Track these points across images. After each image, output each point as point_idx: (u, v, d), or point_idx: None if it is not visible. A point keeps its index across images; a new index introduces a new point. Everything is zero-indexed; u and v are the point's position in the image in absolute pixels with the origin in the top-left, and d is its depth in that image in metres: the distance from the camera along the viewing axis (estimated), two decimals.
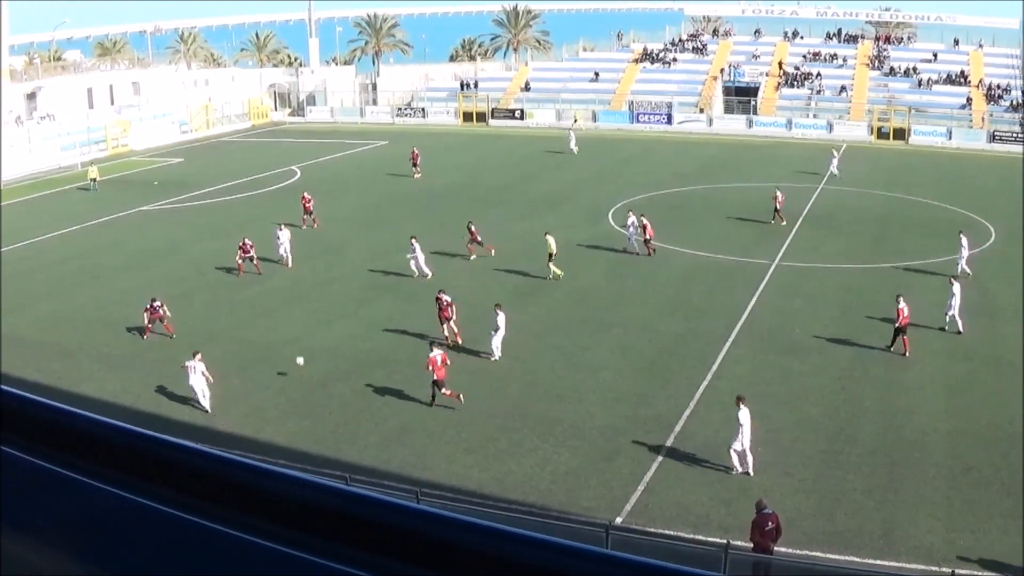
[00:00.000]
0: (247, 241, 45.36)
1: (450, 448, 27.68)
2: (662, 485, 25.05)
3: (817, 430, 28.09)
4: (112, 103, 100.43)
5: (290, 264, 45.70)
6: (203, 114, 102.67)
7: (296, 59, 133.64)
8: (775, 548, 20.95)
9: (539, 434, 28.22)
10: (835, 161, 67.66)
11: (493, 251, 46.06)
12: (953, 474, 25.30)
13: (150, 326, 37.28)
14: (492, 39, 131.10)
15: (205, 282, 44.51)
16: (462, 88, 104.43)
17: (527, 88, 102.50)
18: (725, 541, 21.07)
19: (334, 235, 51.93)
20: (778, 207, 52.54)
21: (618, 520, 23.25)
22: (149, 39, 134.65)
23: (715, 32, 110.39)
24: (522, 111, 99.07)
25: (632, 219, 47.80)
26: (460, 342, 35.58)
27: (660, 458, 26.32)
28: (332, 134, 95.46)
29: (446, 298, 35.78)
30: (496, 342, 33.88)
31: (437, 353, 30.77)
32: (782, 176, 65.22)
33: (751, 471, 25.59)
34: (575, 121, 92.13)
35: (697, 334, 36.00)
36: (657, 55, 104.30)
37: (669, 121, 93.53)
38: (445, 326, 35.94)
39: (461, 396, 30.28)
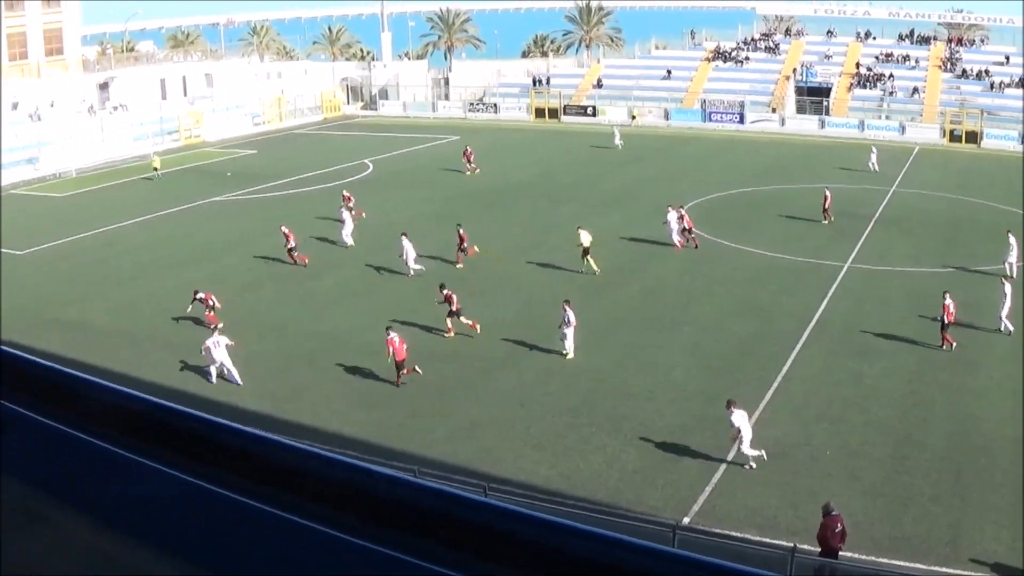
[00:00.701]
0: (285, 230, 46.24)
1: (518, 444, 27.84)
2: (730, 486, 25.05)
3: (886, 433, 27.97)
4: (185, 94, 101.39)
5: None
6: (276, 106, 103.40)
7: (369, 53, 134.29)
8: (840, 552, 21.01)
9: (608, 431, 28.33)
10: (873, 157, 68.53)
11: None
12: (1020, 481, 25.14)
13: (211, 314, 37.73)
14: (564, 35, 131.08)
15: (274, 273, 45.00)
16: (534, 84, 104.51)
17: (599, 85, 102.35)
18: (792, 544, 21.06)
19: (404, 228, 52.24)
20: (827, 206, 52.59)
21: (685, 520, 23.27)
22: (222, 31, 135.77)
23: (787, 32, 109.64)
24: (594, 108, 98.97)
25: (672, 214, 48.35)
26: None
27: (729, 459, 26.33)
28: (404, 128, 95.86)
29: (451, 294, 36.74)
30: (568, 340, 33.84)
31: (395, 336, 32.21)
32: (852, 178, 64.94)
33: (754, 464, 26.01)
34: (633, 118, 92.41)
35: (768, 335, 35.93)
36: (730, 54, 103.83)
37: (741, 120, 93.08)
38: (451, 319, 36.61)
39: (417, 367, 31.99)
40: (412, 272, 43.93)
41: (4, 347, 3.04)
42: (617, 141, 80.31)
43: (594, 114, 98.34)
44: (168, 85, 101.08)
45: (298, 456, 2.27)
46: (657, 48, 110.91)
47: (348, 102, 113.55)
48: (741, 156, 76.30)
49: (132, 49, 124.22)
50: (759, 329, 36.51)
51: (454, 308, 36.58)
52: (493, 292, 41.06)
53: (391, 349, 31.84)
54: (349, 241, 48.95)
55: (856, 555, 21.55)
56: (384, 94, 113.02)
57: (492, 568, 1.90)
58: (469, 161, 70.79)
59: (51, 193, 70.11)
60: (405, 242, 44.19)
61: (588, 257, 43.75)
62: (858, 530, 21.94)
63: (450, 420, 29.40)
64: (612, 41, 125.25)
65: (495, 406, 30.12)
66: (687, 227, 47.95)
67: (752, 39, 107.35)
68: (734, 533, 22.68)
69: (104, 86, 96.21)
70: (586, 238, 43.91)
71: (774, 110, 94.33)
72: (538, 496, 23.41)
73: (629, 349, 34.77)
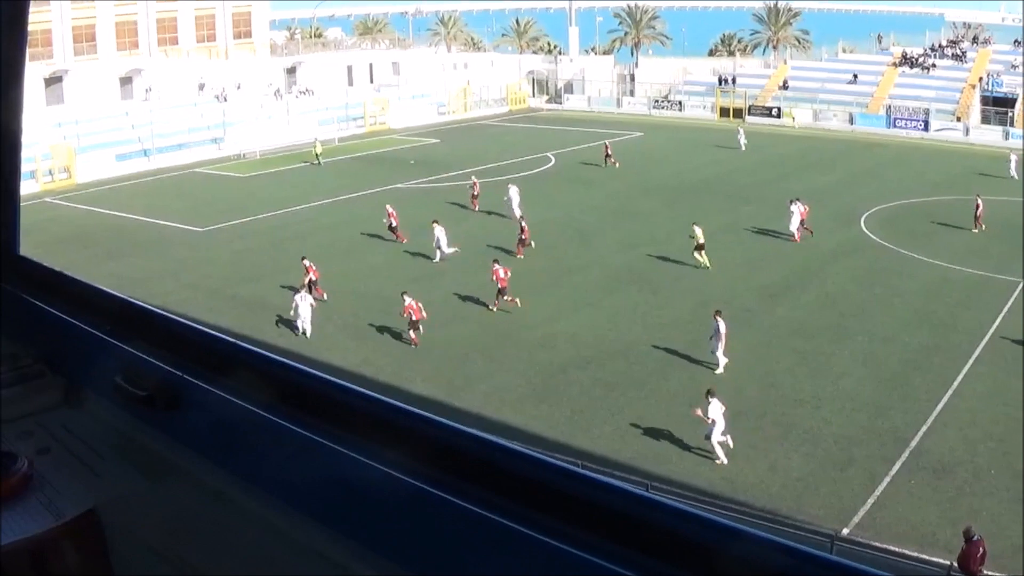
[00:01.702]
0: (390, 209, 48.98)
1: (684, 445, 28.18)
2: (892, 500, 25.07)
3: None
4: (371, 81, 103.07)
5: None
6: (461, 97, 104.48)
7: (555, 47, 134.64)
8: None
9: (774, 437, 28.56)
10: (1012, 164, 67.68)
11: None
12: None
13: (317, 289, 40.11)
14: (752, 35, 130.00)
15: (454, 262, 46.01)
16: (720, 83, 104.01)
17: (785, 86, 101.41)
18: (948, 563, 21.18)
19: (584, 224, 52.84)
20: (978, 214, 51.81)
21: (844, 531, 23.45)
22: (410, 20, 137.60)
23: (975, 39, 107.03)
24: (779, 109, 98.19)
25: (795, 207, 49.38)
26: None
27: (893, 472, 26.29)
28: (588, 123, 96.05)
29: (500, 270, 38.90)
30: (720, 352, 33.43)
31: (411, 301, 35.63)
32: None
33: (724, 459, 27.05)
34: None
35: (940, 348, 35.61)
36: (916, 60, 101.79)
37: (926, 128, 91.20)
38: (498, 296, 38.62)
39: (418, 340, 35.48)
40: (441, 257, 45.74)
41: (184, 321, 3.11)
42: (742, 141, 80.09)
43: (779, 116, 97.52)
44: (355, 72, 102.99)
45: (477, 444, 2.24)
46: (844, 51, 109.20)
47: (533, 95, 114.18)
48: (924, 164, 75.02)
49: (320, 35, 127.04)
50: (932, 342, 36.18)
51: (501, 285, 38.62)
52: (669, 290, 41.46)
53: (408, 311, 35.52)
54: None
55: None
56: (569, 88, 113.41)
57: (656, 565, 1.86)
58: (608, 156, 71.49)
59: (234, 173, 72.30)
60: (437, 229, 45.82)
61: (701, 252, 44.61)
62: (1017, 553, 21.87)
63: (618, 417, 29.86)
64: (799, 43, 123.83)
65: (664, 406, 30.48)
66: (802, 219, 49.55)
67: (939, 46, 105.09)
68: (892, 547, 22.76)
69: (291, 70, 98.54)
70: (700, 234, 44.78)
71: (959, 119, 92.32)
72: (699, 498, 23.66)
73: (801, 356, 34.85)
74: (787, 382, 32.54)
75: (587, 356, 34.63)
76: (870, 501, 24.97)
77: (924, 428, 28.94)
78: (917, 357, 34.91)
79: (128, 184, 69.95)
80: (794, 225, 49.72)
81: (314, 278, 40.39)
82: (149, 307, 3.36)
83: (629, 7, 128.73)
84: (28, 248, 4.18)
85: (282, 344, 34.30)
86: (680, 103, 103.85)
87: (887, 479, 26.05)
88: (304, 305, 37.23)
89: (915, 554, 22.47)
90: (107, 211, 60.54)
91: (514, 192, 54.26)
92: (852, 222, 53.73)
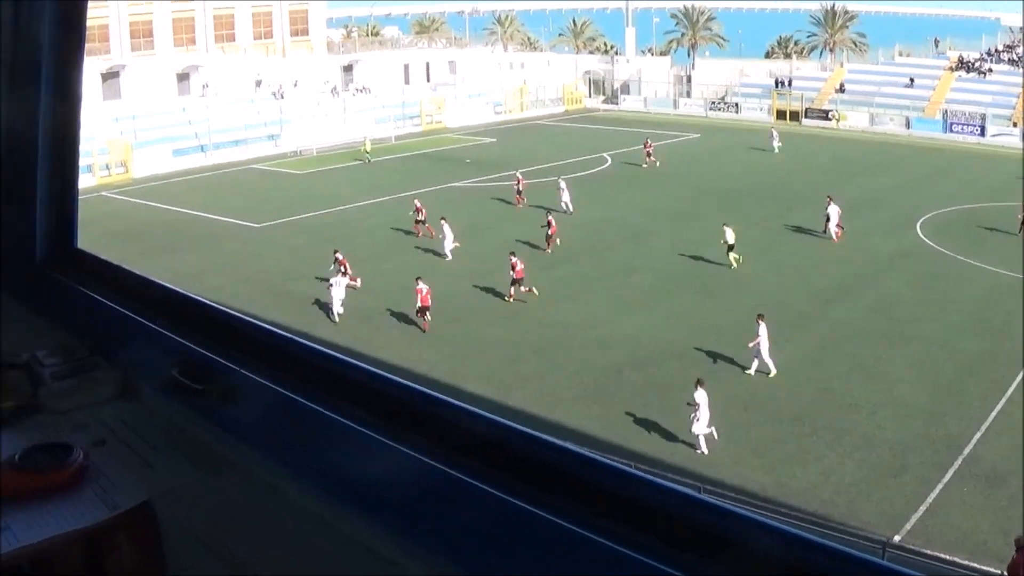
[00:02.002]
0: (417, 203, 49.93)
1: (738, 447, 28.12)
2: (944, 507, 24.86)
3: None
4: (428, 80, 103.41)
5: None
6: (518, 96, 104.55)
7: (612, 47, 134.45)
8: None
9: (827, 442, 28.37)
10: None
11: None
12: None
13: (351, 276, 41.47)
14: (808, 38, 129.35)
15: (501, 261, 45.75)
16: (776, 86, 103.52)
17: (841, 90, 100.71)
18: (999, 572, 21.02)
19: (640, 225, 52.76)
20: (1021, 217, 51.40)
21: (896, 538, 23.28)
22: (467, 19, 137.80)
23: None
24: (835, 113, 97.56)
25: (833, 207, 50.40)
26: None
27: (946, 479, 26.07)
28: (644, 124, 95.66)
29: (517, 263, 40.47)
30: (765, 357, 33.20)
31: (423, 286, 37.31)
32: None
33: (705, 449, 27.72)
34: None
35: (996, 356, 35.24)
36: (972, 64, 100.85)
37: (982, 133, 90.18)
38: (513, 287, 40.24)
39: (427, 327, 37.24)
40: (449, 256, 46.21)
41: (239, 315, 3.19)
42: (775, 143, 79.63)
43: (835, 119, 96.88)
44: (411, 70, 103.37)
45: (525, 440, 2.28)
46: (901, 55, 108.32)
47: (590, 95, 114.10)
48: (980, 170, 74.32)
49: (377, 33, 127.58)
50: (988, 349, 35.80)
51: (516, 276, 40.20)
52: (724, 293, 41.32)
53: (418, 297, 37.18)
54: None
55: None
56: (626, 89, 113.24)
57: (707, 566, 1.89)
58: (649, 155, 71.76)
59: (290, 170, 72.68)
60: (446, 227, 46.54)
61: (732, 254, 44.92)
62: None
63: (671, 419, 29.72)
64: (856, 45, 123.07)
65: (719, 408, 30.26)
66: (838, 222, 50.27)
67: (996, 50, 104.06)
68: (943, 555, 22.58)
69: (348, 68, 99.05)
70: (731, 236, 44.99)
71: (1015, 124, 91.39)
72: (752, 502, 23.59)
73: (857, 360, 34.58)
74: (841, 387, 32.31)
75: (641, 358, 34.58)
76: (922, 508, 24.78)
77: (978, 435, 28.67)
78: (972, 364, 34.60)
79: (184, 179, 70.50)
80: (833, 224, 50.28)
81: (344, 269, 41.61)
82: (204, 301, 3.38)
83: (686, 8, 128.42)
84: (85, 242, 4.22)
85: (336, 340, 34.40)
86: (737, 105, 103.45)
87: (940, 486, 25.85)
88: (338, 289, 38.80)
89: (966, 562, 22.30)
90: (163, 206, 61.01)
91: (564, 185, 55.96)
92: (908, 227, 53.30)
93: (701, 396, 27.98)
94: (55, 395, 3.21)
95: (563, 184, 56.10)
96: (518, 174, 59.87)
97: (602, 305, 40.09)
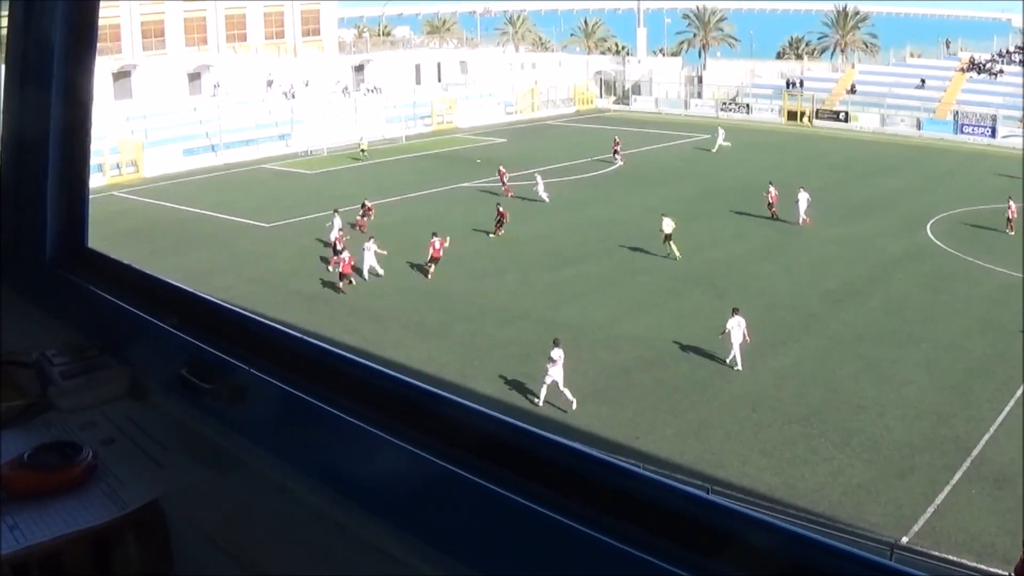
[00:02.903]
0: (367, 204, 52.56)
1: (746, 448, 28.09)
2: (952, 509, 24.79)
3: None
4: (439, 80, 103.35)
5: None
6: (529, 97, 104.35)
7: (623, 48, 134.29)
8: None
9: (836, 443, 28.30)
10: None
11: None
12: None
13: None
14: (820, 39, 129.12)
15: (518, 261, 46.07)
16: (787, 86, 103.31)
17: (853, 91, 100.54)
18: (1007, 574, 20.98)
19: (649, 225, 52.62)
20: (1011, 216, 51.91)
21: (904, 540, 23.27)
22: (478, 20, 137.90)
23: None
24: (846, 113, 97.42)
25: (802, 195, 52.89)
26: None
27: (954, 481, 26.03)
28: (655, 124, 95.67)
29: (436, 241, 43.36)
30: (735, 348, 33.73)
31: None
32: None
33: (573, 405, 29.83)
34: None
35: (1005, 357, 35.13)
36: (984, 66, 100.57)
37: (993, 134, 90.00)
38: (431, 264, 43.31)
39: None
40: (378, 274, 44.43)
41: (249, 315, 3.19)
42: (721, 142, 79.87)
43: (846, 120, 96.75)
44: (423, 70, 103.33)
45: (535, 441, 2.28)
46: (912, 56, 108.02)
47: (601, 95, 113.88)
48: (991, 171, 74.00)
49: (388, 33, 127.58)
50: (997, 350, 35.69)
51: (434, 255, 43.39)
52: (734, 293, 41.16)
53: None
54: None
55: None
56: (637, 89, 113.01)
57: (715, 566, 1.88)
58: (616, 152, 72.59)
59: (301, 170, 72.70)
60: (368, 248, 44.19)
61: (670, 243, 46.07)
62: None
63: (680, 420, 29.78)
64: (867, 46, 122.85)
65: (727, 408, 30.40)
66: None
67: (1007, 51, 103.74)
68: (951, 556, 22.57)
69: (359, 68, 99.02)
70: (668, 225, 46.31)
71: None
72: (760, 503, 23.58)
73: (865, 361, 34.51)
74: (850, 388, 32.26)
75: (650, 358, 34.56)
76: (930, 510, 24.73)
77: (986, 437, 28.60)
78: (981, 365, 34.54)
79: (195, 179, 70.52)
80: (802, 210, 52.90)
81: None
82: (214, 300, 3.39)
83: (698, 9, 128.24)
84: (95, 241, 4.23)
85: (347, 341, 34.39)
86: (748, 106, 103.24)
87: (948, 488, 25.79)
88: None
89: (973, 564, 22.27)
90: (173, 205, 61.05)
91: (539, 179, 59.34)
92: (918, 228, 53.20)
93: (557, 352, 30.37)
94: (64, 393, 3.22)
95: (539, 179, 59.13)
96: (501, 167, 62.23)
97: (612, 305, 40.07)
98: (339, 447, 2.55)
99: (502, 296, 40.84)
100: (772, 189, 54.83)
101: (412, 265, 44.59)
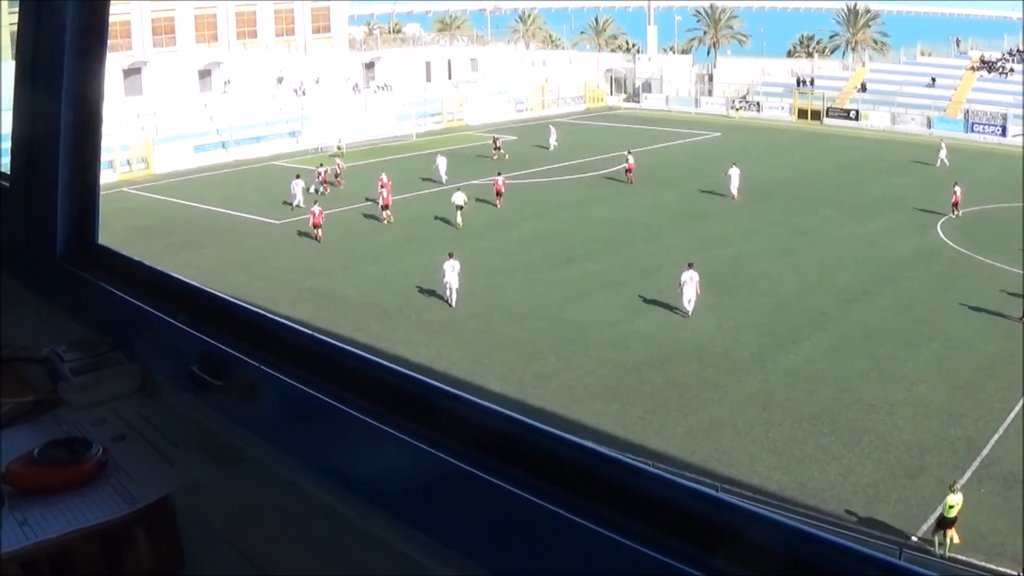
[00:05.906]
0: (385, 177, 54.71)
1: (756, 447, 28.10)
2: (961, 508, 24.90)
3: None
4: (450, 77, 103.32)
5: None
6: (539, 94, 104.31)
7: (634, 45, 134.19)
8: None
9: (846, 442, 28.30)
10: None
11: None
12: None
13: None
14: (830, 37, 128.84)
15: (527, 260, 45.98)
16: (798, 85, 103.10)
17: (863, 89, 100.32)
18: (1016, 573, 20.97)
19: (658, 223, 52.70)
20: (956, 201, 53.29)
21: (913, 539, 23.34)
22: (489, 17, 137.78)
23: None
24: (857, 112, 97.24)
25: (734, 170, 58.69)
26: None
27: (963, 480, 25.96)
28: (665, 122, 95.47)
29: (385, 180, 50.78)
30: (684, 299, 37.48)
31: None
32: None
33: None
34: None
35: (1015, 357, 34.88)
36: (994, 64, 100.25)
37: (1003, 133, 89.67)
38: (386, 211, 50.05)
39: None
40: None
41: (260, 311, 3.18)
42: (552, 141, 79.39)
43: (856, 118, 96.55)
44: (433, 68, 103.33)
45: (547, 439, 2.27)
46: (923, 54, 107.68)
47: (611, 93, 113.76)
48: (1001, 170, 73.77)
49: (399, 31, 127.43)
50: (1008, 350, 35.54)
51: (383, 202, 51.44)
52: (742, 292, 41.23)
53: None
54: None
55: None
56: (647, 87, 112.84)
57: (724, 564, 1.88)
58: (496, 148, 73.52)
59: (311, 166, 72.60)
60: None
61: (460, 215, 51.23)
62: None
63: (691, 418, 29.80)
64: (878, 45, 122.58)
65: (737, 407, 30.40)
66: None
67: (1018, 50, 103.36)
68: (959, 556, 22.63)
69: (369, 66, 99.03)
70: (459, 198, 51.81)
71: None
72: (769, 502, 23.59)
73: (875, 360, 34.47)
74: (860, 387, 32.22)
75: (660, 356, 34.56)
76: (940, 509, 24.67)
77: (996, 436, 28.58)
78: (991, 364, 34.48)
79: (205, 175, 70.63)
80: (734, 187, 57.88)
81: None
82: (224, 296, 3.39)
83: (708, 6, 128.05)
84: (105, 237, 4.23)
85: (358, 338, 34.42)
86: (758, 104, 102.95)
87: (957, 487, 25.72)
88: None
89: (982, 563, 22.26)
90: (184, 202, 61.14)
91: (441, 161, 65.11)
92: (929, 227, 53.12)
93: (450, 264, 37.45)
94: (75, 390, 3.22)
95: (440, 161, 65.43)
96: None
97: (622, 303, 40.04)
98: (349, 444, 2.54)
99: (509, 293, 40.93)
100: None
101: (419, 264, 44.57)
